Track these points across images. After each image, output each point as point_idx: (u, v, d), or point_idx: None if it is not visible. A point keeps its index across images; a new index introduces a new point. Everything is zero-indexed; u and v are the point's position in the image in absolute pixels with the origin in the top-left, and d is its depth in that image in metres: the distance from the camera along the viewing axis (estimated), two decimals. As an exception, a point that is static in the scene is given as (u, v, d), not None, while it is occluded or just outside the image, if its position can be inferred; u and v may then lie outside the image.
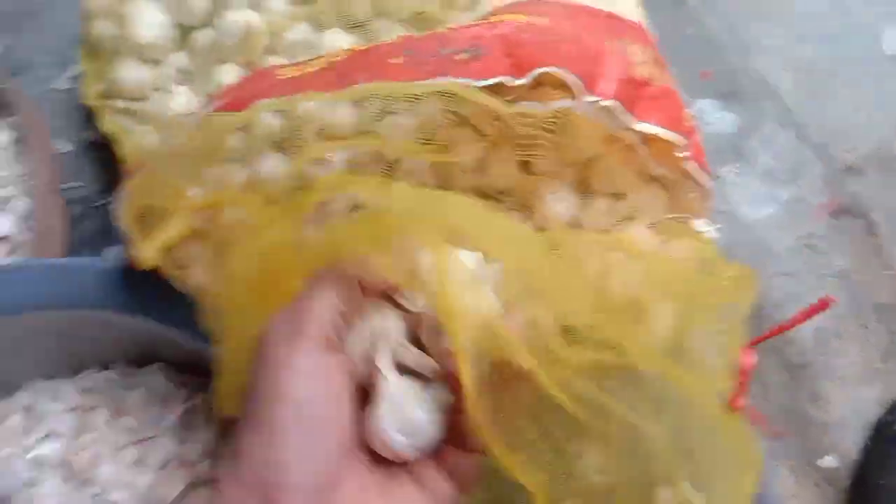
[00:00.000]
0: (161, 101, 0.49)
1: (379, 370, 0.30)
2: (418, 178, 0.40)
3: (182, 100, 0.48)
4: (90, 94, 0.53)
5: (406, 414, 0.30)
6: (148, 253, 0.37)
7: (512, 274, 0.32)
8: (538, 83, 0.37)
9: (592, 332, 0.32)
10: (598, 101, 0.36)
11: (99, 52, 0.52)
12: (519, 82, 0.36)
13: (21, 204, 0.56)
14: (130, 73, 0.49)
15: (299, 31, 0.47)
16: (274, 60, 0.47)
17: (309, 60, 0.40)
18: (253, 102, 0.35)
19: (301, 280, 0.32)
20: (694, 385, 0.33)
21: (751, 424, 0.35)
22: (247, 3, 0.47)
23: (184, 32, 0.49)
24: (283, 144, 0.42)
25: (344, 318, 0.30)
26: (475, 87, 0.35)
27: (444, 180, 0.41)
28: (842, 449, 0.55)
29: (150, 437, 0.48)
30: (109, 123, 0.51)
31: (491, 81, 0.35)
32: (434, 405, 0.31)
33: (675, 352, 0.35)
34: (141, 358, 0.51)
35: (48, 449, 0.48)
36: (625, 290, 0.38)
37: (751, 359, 0.35)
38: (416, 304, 0.32)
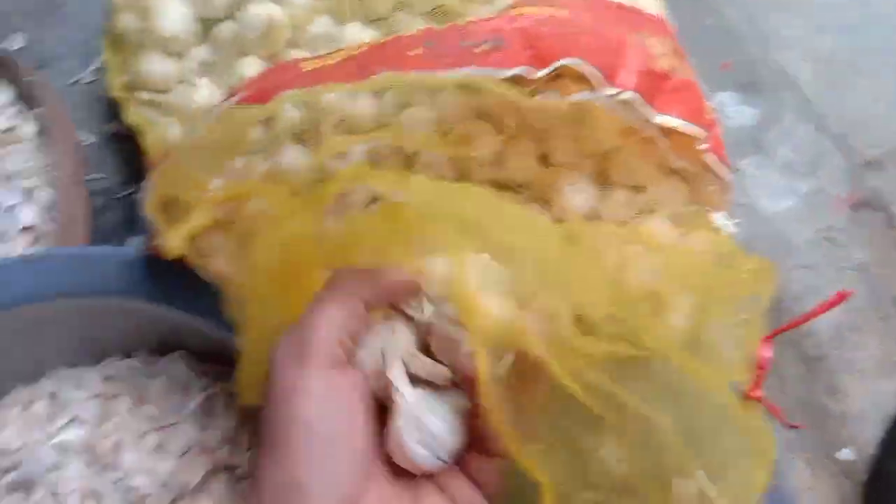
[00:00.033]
0: (184, 94, 0.49)
1: (393, 384, 0.30)
2: (436, 171, 0.41)
3: (204, 92, 0.49)
4: (114, 86, 0.54)
5: (425, 426, 0.30)
6: (174, 242, 0.37)
7: (529, 265, 0.32)
8: (558, 75, 0.37)
9: (610, 324, 0.32)
10: (617, 93, 0.36)
11: (123, 44, 0.53)
12: (539, 74, 0.36)
13: (45, 195, 0.57)
14: (154, 65, 0.49)
15: (321, 25, 0.47)
16: (296, 54, 0.47)
17: (330, 53, 0.40)
18: (276, 94, 0.36)
19: (321, 272, 0.32)
20: (711, 377, 0.33)
21: (767, 417, 0.35)
22: (269, -5, 0.48)
23: (206, 25, 0.50)
24: (303, 137, 0.42)
25: (350, 335, 0.30)
26: (495, 78, 0.35)
27: (461, 173, 0.41)
28: (859, 442, 0.54)
29: (171, 424, 0.49)
30: (133, 115, 0.51)
31: (511, 73, 0.35)
32: (453, 414, 0.31)
33: (693, 344, 0.35)
34: (162, 346, 0.52)
35: (72, 435, 0.49)
36: (643, 283, 0.38)
37: (768, 352, 0.35)
38: (425, 313, 0.31)
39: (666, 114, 0.37)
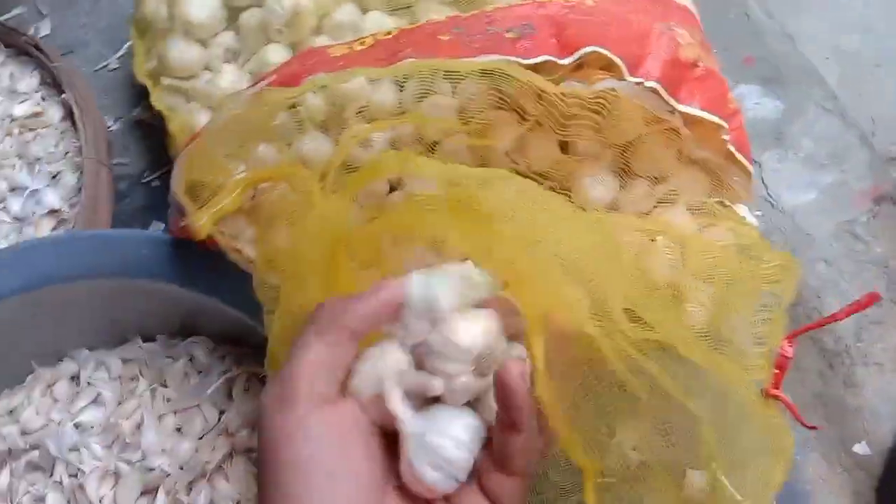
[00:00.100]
0: (210, 80, 0.50)
1: (393, 412, 0.30)
2: (457, 160, 0.41)
3: (230, 78, 0.49)
4: (141, 71, 0.54)
5: (434, 448, 0.29)
6: (203, 222, 0.38)
7: (576, 254, 0.32)
8: (583, 63, 0.37)
9: (631, 315, 0.32)
10: (641, 82, 0.36)
11: (150, 31, 0.53)
12: (565, 62, 0.36)
13: (70, 178, 0.58)
14: (181, 51, 0.50)
15: (345, 12, 0.47)
16: (320, 41, 0.47)
17: (357, 39, 0.40)
18: (305, 78, 0.36)
19: (361, 258, 0.32)
20: (731, 372, 0.33)
21: (785, 413, 0.35)
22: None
23: (232, 12, 0.50)
24: (326, 124, 0.43)
25: (339, 367, 0.30)
26: (521, 64, 0.35)
27: (482, 162, 0.41)
28: (876, 436, 0.54)
29: (190, 407, 0.49)
30: (160, 100, 0.52)
31: (537, 60, 0.35)
32: (463, 429, 0.30)
33: (713, 337, 0.35)
34: (183, 329, 0.52)
35: (93, 415, 0.50)
36: (663, 274, 0.38)
37: (789, 351, 0.35)
38: (415, 333, 0.30)
39: (689, 103, 0.37)
